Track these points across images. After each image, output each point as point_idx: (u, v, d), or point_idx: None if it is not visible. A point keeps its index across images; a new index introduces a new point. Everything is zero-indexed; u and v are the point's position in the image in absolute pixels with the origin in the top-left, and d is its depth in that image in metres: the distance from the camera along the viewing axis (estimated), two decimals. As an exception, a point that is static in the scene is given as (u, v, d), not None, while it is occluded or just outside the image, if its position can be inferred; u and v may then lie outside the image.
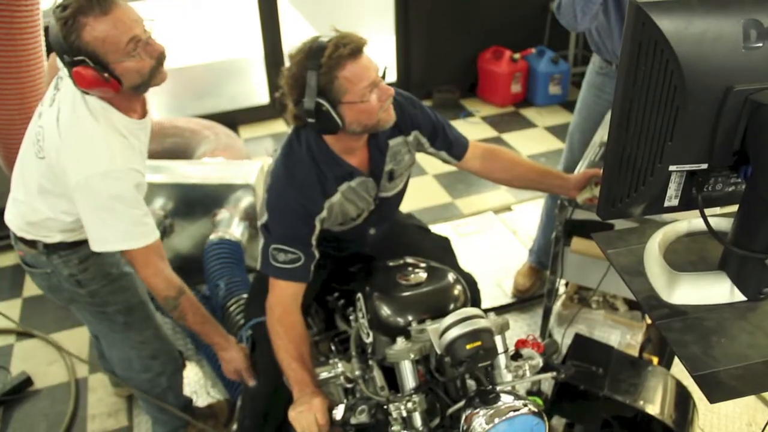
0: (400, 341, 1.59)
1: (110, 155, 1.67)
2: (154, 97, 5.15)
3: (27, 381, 2.78)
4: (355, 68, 1.63)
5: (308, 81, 1.62)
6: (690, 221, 1.27)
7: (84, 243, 1.86)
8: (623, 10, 2.32)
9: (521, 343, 1.63)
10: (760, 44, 0.98)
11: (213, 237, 2.77)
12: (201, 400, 2.67)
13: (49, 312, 3.14)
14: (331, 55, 1.60)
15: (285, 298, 1.80)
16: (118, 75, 1.63)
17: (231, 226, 2.84)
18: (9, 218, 1.93)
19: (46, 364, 2.89)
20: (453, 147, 2.02)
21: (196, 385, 2.75)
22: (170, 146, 3.65)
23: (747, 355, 1.04)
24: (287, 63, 1.70)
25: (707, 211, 1.10)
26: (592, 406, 1.88)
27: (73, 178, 1.66)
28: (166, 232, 2.89)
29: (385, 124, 1.75)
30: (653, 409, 1.80)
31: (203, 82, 6.11)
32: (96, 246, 1.76)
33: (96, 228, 1.74)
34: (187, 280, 2.75)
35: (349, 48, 1.61)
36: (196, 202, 2.91)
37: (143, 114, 1.83)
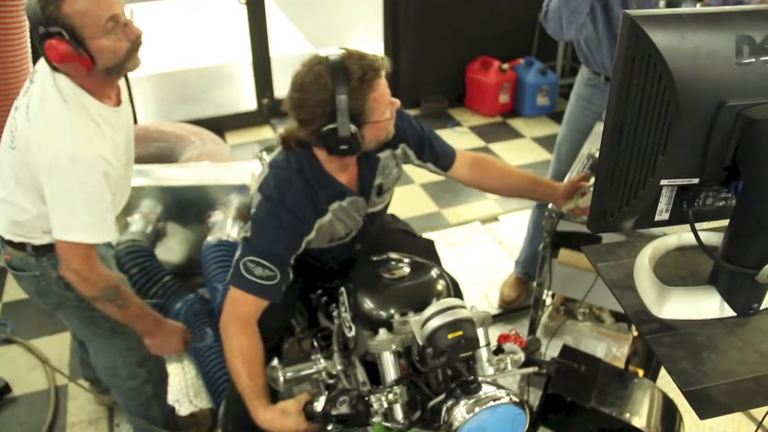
0: (383, 332, 1.59)
1: (78, 140, 1.62)
2: (140, 100, 5.13)
3: (5, 388, 2.73)
4: (380, 89, 1.63)
5: (338, 105, 1.58)
6: (680, 235, 1.27)
7: None
8: (612, 22, 2.34)
9: (503, 338, 1.63)
10: (753, 60, 0.98)
11: (210, 239, 2.76)
12: (183, 409, 2.63)
13: (29, 318, 3.09)
14: (362, 78, 1.58)
15: (246, 315, 1.73)
16: (92, 52, 1.60)
17: (226, 227, 2.82)
18: None
19: (25, 370, 2.84)
20: (439, 159, 2.02)
21: (179, 393, 2.72)
22: (155, 151, 3.62)
23: (737, 371, 1.04)
24: (297, 88, 1.63)
25: (697, 226, 1.10)
26: (579, 418, 1.87)
27: (40, 161, 1.62)
28: (158, 235, 2.87)
29: (391, 135, 1.76)
30: (640, 421, 1.79)
31: (190, 87, 6.08)
32: (59, 233, 1.69)
33: (60, 215, 1.68)
34: (184, 284, 2.74)
35: (375, 70, 1.61)
36: (190, 205, 2.89)
37: (118, 102, 1.80)
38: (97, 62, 1.62)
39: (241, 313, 1.73)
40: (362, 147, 1.68)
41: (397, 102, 1.73)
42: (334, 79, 1.58)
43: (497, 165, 2.11)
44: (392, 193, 2.03)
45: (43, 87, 1.66)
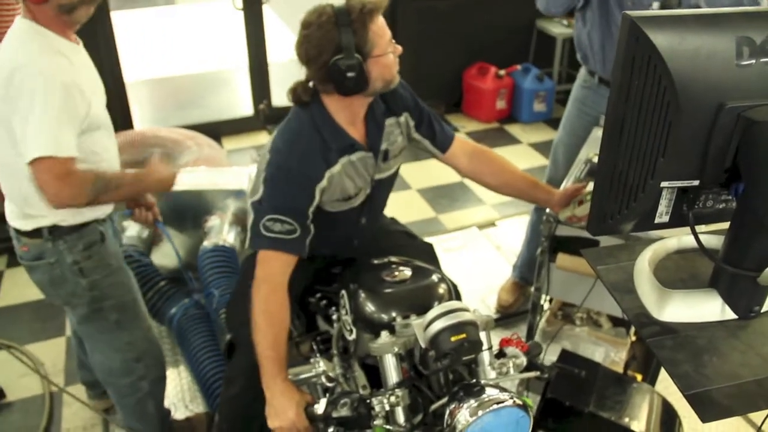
0: (384, 335, 1.58)
1: (44, 57, 1.68)
2: (137, 106, 5.12)
3: (-1, 393, 2.72)
4: (380, 22, 1.70)
5: (342, 38, 1.64)
6: (680, 238, 1.27)
7: (87, 227, 1.90)
8: (608, 18, 2.36)
9: (505, 342, 1.63)
10: (753, 61, 0.98)
11: (207, 243, 2.74)
12: (179, 413, 2.62)
13: (24, 323, 3.08)
14: (362, 10, 1.65)
15: (275, 274, 1.73)
16: None
17: (223, 232, 2.81)
18: (8, 214, 1.91)
19: (18, 375, 2.82)
20: (437, 137, 2.02)
21: (175, 398, 2.70)
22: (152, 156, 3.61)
23: (739, 374, 1.03)
24: (305, 26, 1.70)
25: (697, 228, 1.09)
26: (578, 422, 1.86)
27: (4, 72, 1.67)
28: (154, 240, 2.85)
29: (395, 81, 1.80)
30: (639, 426, 1.79)
31: (187, 92, 6.07)
32: (30, 153, 1.69)
33: (27, 134, 1.68)
34: (179, 288, 2.72)
35: (374, 4, 1.67)
36: (187, 210, 2.88)
37: (77, 42, 1.88)
38: None
39: (270, 273, 1.73)
40: (369, 82, 1.71)
41: (399, 48, 1.77)
42: (337, 14, 1.65)
43: (498, 161, 2.10)
44: (398, 165, 2.02)
45: (11, 31, 1.74)
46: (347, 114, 1.80)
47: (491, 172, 2.08)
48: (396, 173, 2.04)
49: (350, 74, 1.67)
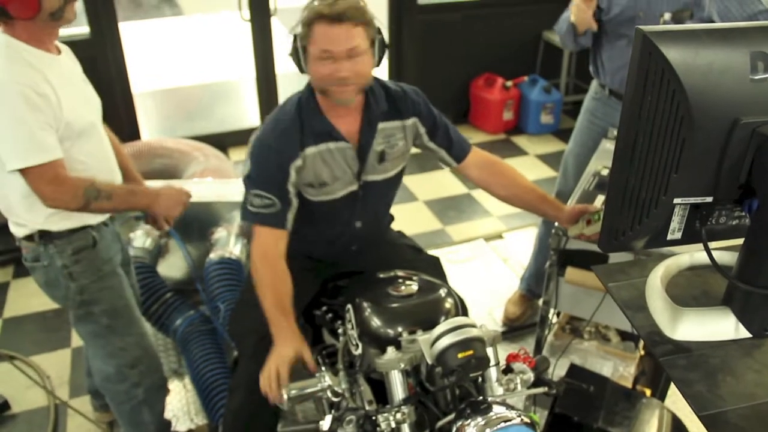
0: (391, 350, 1.57)
1: (7, 71, 1.68)
2: (144, 116, 5.13)
3: (4, 405, 2.70)
4: (324, 30, 1.68)
5: (300, 24, 1.73)
6: (692, 254, 1.25)
7: (78, 232, 1.92)
8: (618, 32, 2.36)
9: (512, 358, 1.61)
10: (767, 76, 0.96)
11: (213, 256, 2.74)
12: (183, 425, 2.60)
13: (29, 334, 3.07)
14: (319, 11, 1.68)
15: (264, 245, 1.85)
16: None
17: (229, 244, 2.80)
18: (9, 222, 1.95)
19: (24, 387, 2.81)
20: (453, 147, 2.03)
21: (179, 411, 2.68)
22: (159, 167, 3.61)
23: (754, 394, 1.01)
24: None
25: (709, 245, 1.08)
26: (587, 439, 1.84)
27: None
28: (161, 252, 2.85)
29: (336, 99, 1.79)
30: (648, 444, 1.77)
31: (194, 103, 6.09)
32: (15, 163, 1.70)
33: (8, 145, 1.70)
34: (186, 300, 2.71)
35: (333, 11, 1.67)
36: (193, 221, 2.87)
37: (58, 53, 1.87)
38: (43, 6, 1.69)
39: (259, 245, 1.86)
40: (302, 67, 1.78)
41: (340, 74, 1.73)
42: (311, 6, 1.71)
43: (509, 173, 2.10)
44: (398, 175, 2.03)
45: None
46: (327, 104, 1.84)
47: (501, 184, 2.09)
48: (396, 179, 2.04)
49: (294, 54, 1.78)
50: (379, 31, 1.78)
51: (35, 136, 1.70)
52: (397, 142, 1.95)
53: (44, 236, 1.91)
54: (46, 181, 1.74)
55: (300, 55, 1.76)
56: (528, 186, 2.09)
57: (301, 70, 1.81)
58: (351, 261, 2.11)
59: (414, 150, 2.08)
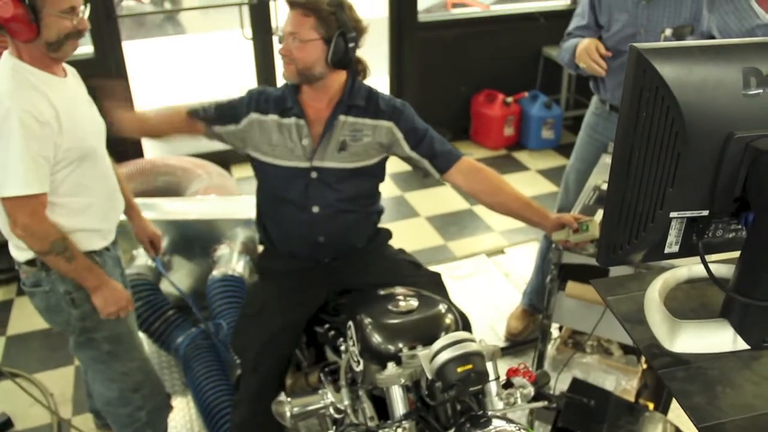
0: (391, 366, 1.58)
1: (7, 89, 1.70)
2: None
3: (7, 422, 2.70)
4: (288, 12, 1.92)
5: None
6: (690, 267, 1.26)
7: None
8: (617, 49, 2.38)
9: (513, 372, 1.62)
10: (760, 91, 0.98)
11: (216, 273, 2.75)
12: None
13: (32, 352, 3.08)
14: None
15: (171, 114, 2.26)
16: (42, 24, 1.70)
17: (232, 261, 2.81)
18: (9, 245, 1.94)
19: (27, 405, 2.81)
20: (437, 158, 2.09)
21: (183, 428, 2.69)
22: (162, 185, 3.64)
23: (753, 406, 1.02)
24: None
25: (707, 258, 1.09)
26: (589, 454, 1.84)
27: None
28: (164, 269, 2.87)
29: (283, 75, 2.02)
30: (652, 458, 1.77)
31: (197, 120, 6.11)
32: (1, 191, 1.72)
33: None
34: (187, 317, 2.72)
35: None
36: (196, 238, 2.89)
37: (64, 75, 1.89)
38: (42, 34, 1.71)
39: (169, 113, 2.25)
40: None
41: (284, 47, 1.95)
42: None
43: (494, 181, 2.13)
44: (358, 166, 2.08)
45: None
46: (307, 89, 2.05)
47: (486, 191, 2.12)
48: (358, 176, 2.10)
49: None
50: (341, 33, 1.91)
51: (29, 167, 1.70)
52: (363, 137, 2.04)
53: (44, 262, 1.89)
54: (26, 212, 1.74)
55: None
56: (513, 194, 2.12)
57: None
58: (319, 252, 2.15)
59: (407, 166, 2.13)
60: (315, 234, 2.11)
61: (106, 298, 1.96)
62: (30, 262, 1.92)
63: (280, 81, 4.71)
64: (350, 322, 1.80)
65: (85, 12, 1.79)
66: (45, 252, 1.81)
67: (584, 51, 2.36)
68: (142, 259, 2.82)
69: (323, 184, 2.06)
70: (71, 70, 1.95)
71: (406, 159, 2.13)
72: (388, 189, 4.34)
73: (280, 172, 2.07)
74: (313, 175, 2.05)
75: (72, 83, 1.92)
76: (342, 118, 2.03)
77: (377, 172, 2.15)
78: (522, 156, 5.04)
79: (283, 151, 2.05)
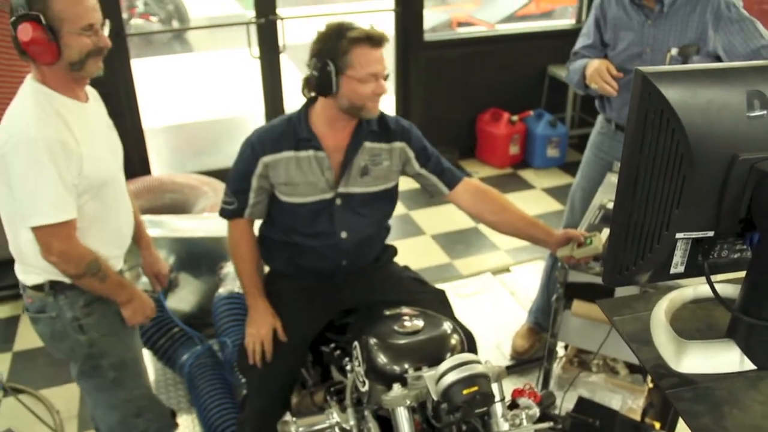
0: (396, 387, 1.58)
1: (34, 123, 1.69)
2: (154, 152, 5.20)
3: (13, 439, 2.71)
4: (369, 52, 1.90)
5: (327, 47, 1.91)
6: (695, 287, 1.26)
7: None
8: (624, 70, 2.39)
9: (518, 393, 1.62)
10: (764, 113, 1.00)
11: (222, 291, 2.75)
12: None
13: (39, 368, 3.08)
14: (356, 34, 1.88)
15: (231, 234, 2.19)
16: (62, 45, 1.69)
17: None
18: (15, 265, 1.93)
19: (33, 421, 2.82)
20: (444, 174, 2.15)
21: (188, 445, 2.69)
22: (169, 202, 3.65)
23: (761, 427, 1.02)
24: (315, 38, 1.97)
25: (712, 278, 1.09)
26: (596, 474, 1.83)
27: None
28: (171, 286, 2.87)
29: (368, 114, 2.00)
30: (658, 479, 1.76)
31: (204, 139, 6.15)
32: (32, 221, 1.72)
33: (26, 200, 1.71)
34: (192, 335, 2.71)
35: (372, 37, 1.89)
36: (202, 256, 2.90)
37: (86, 100, 1.89)
38: (63, 55, 1.71)
39: (230, 237, 2.21)
40: (333, 91, 1.92)
41: (385, 89, 1.96)
42: (339, 28, 1.91)
43: (499, 200, 2.17)
44: (382, 189, 2.12)
45: (20, 91, 1.77)
46: (325, 117, 2.02)
47: (491, 211, 2.15)
48: (381, 199, 2.12)
49: (316, 74, 1.92)
50: None
51: (60, 194, 1.71)
52: (382, 161, 2.07)
53: (55, 286, 1.88)
54: (61, 238, 1.75)
55: (332, 78, 1.90)
56: (517, 212, 2.15)
57: (326, 94, 1.95)
58: (342, 277, 2.15)
59: (414, 184, 2.13)
60: (339, 258, 2.13)
61: (135, 309, 1.99)
62: (37, 287, 1.89)
63: (288, 100, 4.73)
64: (356, 342, 1.80)
65: (104, 29, 1.79)
66: (81, 275, 1.81)
67: (595, 72, 2.36)
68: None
69: (348, 210, 2.07)
70: (93, 93, 1.95)
71: (416, 176, 2.16)
72: (393, 207, 4.35)
73: (303, 209, 2.06)
74: (338, 202, 2.06)
75: (93, 108, 1.92)
76: (367, 144, 2.07)
77: (394, 194, 2.19)
78: (527, 174, 5.06)
79: (305, 188, 2.05)
